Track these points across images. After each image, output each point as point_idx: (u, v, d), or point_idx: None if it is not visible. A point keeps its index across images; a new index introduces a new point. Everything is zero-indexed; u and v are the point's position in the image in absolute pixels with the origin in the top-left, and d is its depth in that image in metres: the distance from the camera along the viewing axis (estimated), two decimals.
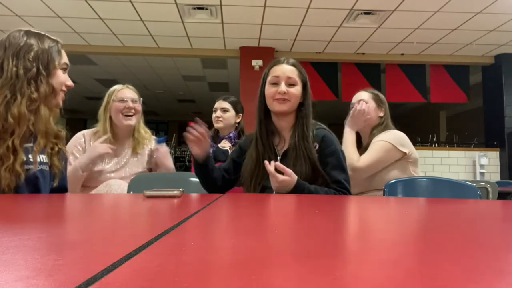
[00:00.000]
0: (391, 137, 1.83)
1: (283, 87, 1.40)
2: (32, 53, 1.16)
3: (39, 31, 1.23)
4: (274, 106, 1.41)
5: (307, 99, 1.44)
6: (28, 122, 1.12)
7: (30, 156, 1.18)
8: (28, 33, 1.19)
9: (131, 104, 1.85)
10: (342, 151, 1.46)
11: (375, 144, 1.83)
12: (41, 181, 1.19)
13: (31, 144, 1.19)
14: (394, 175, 1.80)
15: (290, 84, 1.41)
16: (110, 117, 1.86)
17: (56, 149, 1.26)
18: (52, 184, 1.23)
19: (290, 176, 1.28)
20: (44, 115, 1.16)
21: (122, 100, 1.85)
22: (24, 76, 1.13)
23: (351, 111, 1.94)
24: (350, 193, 1.40)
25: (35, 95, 1.13)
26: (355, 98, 2.01)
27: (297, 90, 1.42)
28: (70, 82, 1.26)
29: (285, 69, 1.43)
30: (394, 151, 1.80)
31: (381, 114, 1.95)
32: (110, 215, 0.82)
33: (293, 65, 1.45)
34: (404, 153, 1.81)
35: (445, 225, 0.67)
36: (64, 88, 1.25)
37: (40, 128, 1.15)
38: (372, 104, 1.94)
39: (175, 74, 7.26)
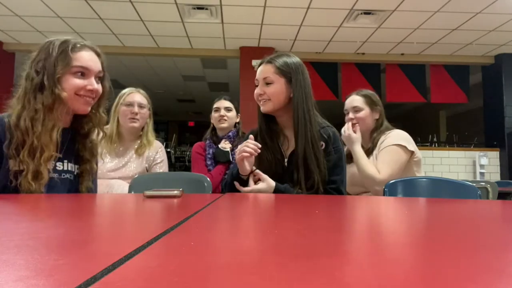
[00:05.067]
0: (398, 138, 1.81)
1: (258, 89, 1.41)
2: (40, 64, 1.14)
3: (65, 38, 1.19)
4: (261, 108, 1.42)
5: (296, 92, 1.37)
6: (34, 134, 1.11)
7: (57, 164, 1.20)
8: (49, 42, 1.17)
9: (136, 109, 1.91)
10: (343, 150, 1.43)
11: (386, 151, 1.79)
12: (60, 189, 1.21)
13: (60, 154, 1.20)
14: (403, 176, 1.79)
15: (268, 83, 1.39)
16: (118, 119, 1.94)
17: (88, 167, 1.27)
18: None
19: (266, 181, 1.33)
20: (48, 126, 1.13)
21: (129, 105, 1.92)
22: (30, 88, 1.13)
23: (343, 131, 1.89)
24: (342, 194, 1.37)
25: (38, 106, 1.12)
26: (348, 103, 1.98)
27: (275, 88, 1.38)
28: (91, 86, 1.19)
29: (260, 71, 1.42)
30: (405, 151, 1.78)
31: (377, 117, 1.93)
32: (110, 215, 0.82)
33: (269, 62, 1.40)
34: (412, 152, 1.80)
35: (445, 225, 0.67)
36: (82, 93, 1.18)
37: (43, 140, 1.13)
38: (366, 110, 1.92)
39: (175, 74, 7.25)
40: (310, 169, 1.32)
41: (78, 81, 1.17)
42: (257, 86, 1.43)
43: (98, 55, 1.24)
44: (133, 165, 1.90)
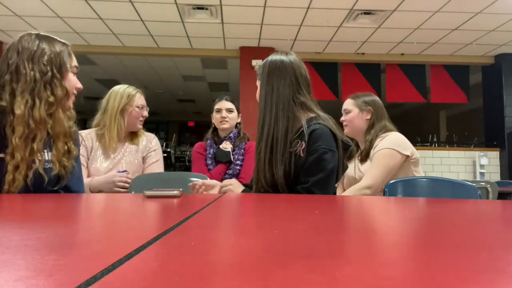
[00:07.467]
0: (392, 142, 1.81)
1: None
2: (45, 57, 1.17)
3: (49, 35, 1.24)
4: None
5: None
6: (47, 125, 1.15)
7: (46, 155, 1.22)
8: (39, 36, 1.21)
9: (146, 113, 1.96)
10: (329, 150, 1.27)
11: (378, 155, 1.80)
12: (46, 179, 1.21)
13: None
14: (401, 176, 1.79)
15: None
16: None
17: (66, 147, 1.25)
18: (59, 184, 1.23)
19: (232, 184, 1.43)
20: (60, 118, 1.19)
21: (141, 108, 1.93)
22: (41, 80, 1.15)
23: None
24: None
25: (51, 98, 1.16)
26: (343, 106, 2.06)
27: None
28: (79, 85, 1.28)
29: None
30: (399, 156, 1.78)
31: (368, 117, 1.95)
32: (110, 215, 0.82)
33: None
34: (407, 156, 1.80)
35: (445, 225, 0.67)
36: (74, 91, 1.27)
37: (58, 131, 1.18)
38: (354, 112, 1.97)
39: (175, 74, 7.25)
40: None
41: (75, 79, 1.26)
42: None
43: None
44: (130, 155, 1.90)
